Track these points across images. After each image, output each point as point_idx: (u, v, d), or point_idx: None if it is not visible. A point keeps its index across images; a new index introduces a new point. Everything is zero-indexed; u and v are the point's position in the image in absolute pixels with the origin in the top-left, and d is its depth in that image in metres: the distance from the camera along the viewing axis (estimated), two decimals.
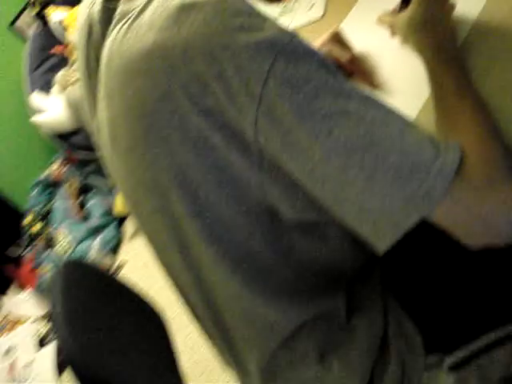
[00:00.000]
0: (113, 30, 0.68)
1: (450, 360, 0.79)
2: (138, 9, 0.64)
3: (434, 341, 0.79)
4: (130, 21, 0.64)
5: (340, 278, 0.80)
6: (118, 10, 0.68)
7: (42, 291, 2.49)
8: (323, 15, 1.10)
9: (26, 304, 2.61)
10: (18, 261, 2.75)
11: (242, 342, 0.80)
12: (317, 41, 0.92)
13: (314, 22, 1.10)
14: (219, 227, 0.67)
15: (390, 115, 0.57)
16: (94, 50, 0.74)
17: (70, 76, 2.50)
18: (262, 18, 0.58)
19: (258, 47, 0.55)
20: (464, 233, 0.59)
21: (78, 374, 0.74)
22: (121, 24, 0.66)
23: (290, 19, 1.13)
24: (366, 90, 0.78)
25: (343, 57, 0.88)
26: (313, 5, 1.13)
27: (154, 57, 0.59)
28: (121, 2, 0.69)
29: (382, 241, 0.58)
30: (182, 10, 0.58)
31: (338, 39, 0.91)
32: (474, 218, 0.58)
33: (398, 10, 0.86)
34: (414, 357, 0.79)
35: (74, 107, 2.34)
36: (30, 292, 2.62)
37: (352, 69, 0.89)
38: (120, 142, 0.70)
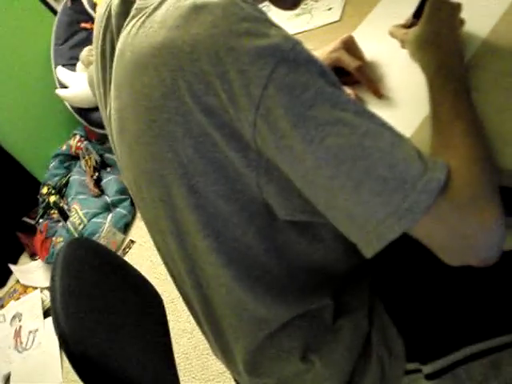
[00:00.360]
0: (128, 23, 0.70)
1: (428, 368, 0.81)
2: (152, 6, 0.67)
3: (415, 348, 0.82)
4: (144, 17, 0.67)
5: (331, 279, 0.83)
6: (135, 5, 0.71)
7: (52, 262, 2.54)
8: (340, 19, 1.12)
9: (35, 273, 2.68)
10: (32, 229, 2.81)
11: (230, 331, 0.83)
12: (329, 45, 0.94)
13: (330, 25, 1.12)
14: (216, 221, 0.69)
15: (383, 129, 0.59)
16: (110, 42, 0.77)
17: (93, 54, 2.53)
18: (269, 25, 0.59)
19: (261, 53, 0.57)
20: (442, 249, 0.61)
21: (68, 350, 0.77)
22: (136, 19, 0.69)
23: (307, 20, 1.15)
24: (367, 99, 0.81)
25: (351, 64, 0.90)
26: (331, 8, 1.15)
27: (163, 53, 0.62)
28: None
29: (368, 248, 0.60)
30: (194, 10, 0.60)
31: (349, 45, 0.93)
32: (453, 237, 0.59)
33: (410, 23, 0.87)
34: (395, 362, 0.82)
35: (93, 86, 2.38)
36: (41, 261, 2.68)
37: (358, 77, 0.90)
38: (126, 133, 0.73)
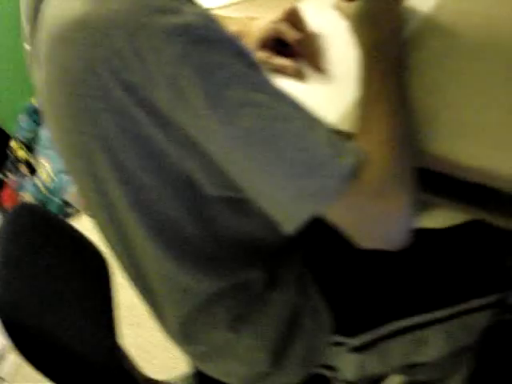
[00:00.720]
0: None
1: (355, 341, 0.84)
2: None
3: (343, 321, 0.84)
4: None
5: (261, 252, 0.84)
6: None
7: None
8: None
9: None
10: (1, 183, 2.79)
11: (163, 300, 0.85)
12: (272, 14, 0.93)
13: None
14: (141, 194, 0.70)
15: (297, 112, 0.59)
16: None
17: None
18: (182, 1, 0.59)
19: (173, 31, 0.56)
20: (353, 233, 0.62)
21: (2, 316, 0.78)
22: None
23: None
24: (307, 72, 0.79)
25: (291, 36, 0.88)
26: None
27: (78, 28, 0.61)
28: None
29: (285, 226, 0.62)
30: None
31: (292, 16, 0.91)
32: (362, 222, 0.61)
33: None
34: (322, 333, 0.84)
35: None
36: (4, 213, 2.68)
37: (298, 50, 0.89)
38: (50, 105, 0.72)
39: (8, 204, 2.69)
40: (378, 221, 0.61)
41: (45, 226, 1.01)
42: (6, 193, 2.68)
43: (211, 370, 0.92)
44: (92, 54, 0.60)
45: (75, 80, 0.63)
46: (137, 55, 0.57)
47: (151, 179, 0.68)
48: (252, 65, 0.60)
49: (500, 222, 0.68)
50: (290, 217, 0.61)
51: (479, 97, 0.71)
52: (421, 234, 0.66)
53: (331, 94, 0.82)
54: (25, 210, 0.99)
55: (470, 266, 0.86)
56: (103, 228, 0.83)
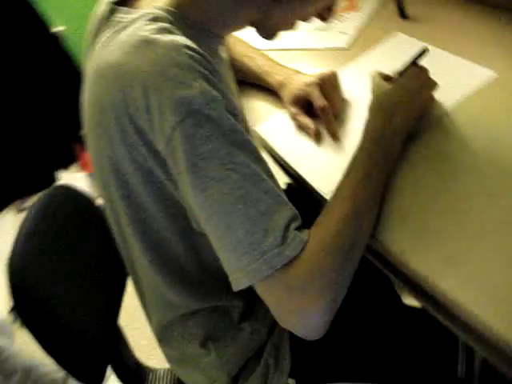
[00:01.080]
0: (105, 30, 0.80)
1: None
2: (124, 23, 0.76)
3: (299, 368, 0.91)
4: (115, 32, 0.76)
5: None
6: (118, 17, 0.79)
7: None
8: (347, 47, 1.17)
9: (80, 184, 2.89)
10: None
11: (150, 304, 0.97)
12: (310, 74, 1.01)
13: (336, 49, 1.18)
14: (141, 212, 0.81)
15: (263, 196, 0.67)
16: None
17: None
18: (197, 76, 0.68)
19: (178, 101, 0.66)
20: (272, 312, 0.70)
21: (11, 280, 0.89)
22: (112, 30, 0.78)
23: (321, 37, 1.21)
24: (324, 137, 0.86)
25: (317, 103, 0.96)
26: (345, 33, 1.19)
27: (112, 72, 0.72)
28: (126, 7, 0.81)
29: (233, 285, 0.70)
30: (144, 42, 0.70)
31: (326, 81, 0.98)
32: (279, 309, 0.68)
33: (393, 77, 0.90)
34: (279, 375, 0.92)
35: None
36: (87, 175, 2.90)
37: (321, 116, 0.96)
38: (85, 120, 0.85)
39: (86, 165, 2.91)
40: (293, 314, 0.67)
41: (77, 207, 1.13)
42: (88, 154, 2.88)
43: (181, 375, 1.03)
44: (117, 95, 0.71)
45: (103, 111, 0.75)
46: (146, 110, 0.68)
47: (152, 203, 0.78)
48: (238, 144, 0.68)
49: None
50: (233, 280, 0.69)
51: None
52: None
53: (331, 165, 0.90)
54: (62, 189, 1.11)
55: (426, 353, 0.91)
56: (113, 231, 0.94)
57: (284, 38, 0.89)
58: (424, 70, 0.89)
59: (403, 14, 1.13)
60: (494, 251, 0.67)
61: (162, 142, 0.68)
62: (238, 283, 0.68)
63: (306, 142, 0.97)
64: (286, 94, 1.03)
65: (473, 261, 0.67)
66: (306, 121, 0.97)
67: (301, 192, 0.93)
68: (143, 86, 0.68)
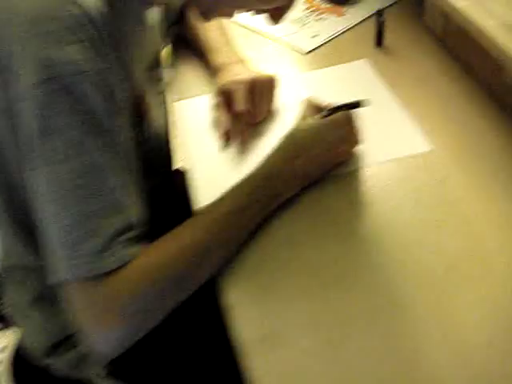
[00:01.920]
0: None
1: None
2: None
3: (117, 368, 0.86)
4: None
5: None
6: None
7: None
8: (308, 52, 1.08)
9: None
10: None
11: None
12: (247, 74, 0.92)
13: (297, 50, 1.09)
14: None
15: (105, 192, 0.60)
16: None
17: None
18: (74, 39, 0.58)
19: (43, 61, 0.57)
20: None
21: None
22: None
23: (293, 30, 1.13)
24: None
25: (236, 104, 0.88)
26: (315, 36, 1.10)
27: None
28: None
29: (49, 277, 0.64)
30: None
31: (259, 85, 0.90)
32: (78, 317, 0.63)
33: (324, 110, 0.82)
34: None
35: None
36: None
37: (235, 117, 0.89)
38: None
39: None
40: (87, 324, 0.62)
41: None
42: None
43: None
44: None
45: None
46: (8, 57, 0.59)
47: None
48: (97, 129, 0.60)
49: None
50: (51, 272, 0.63)
51: None
52: None
53: (224, 176, 0.83)
54: None
55: None
56: None
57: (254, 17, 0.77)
58: (351, 123, 0.79)
59: (379, 41, 1.04)
60: None
61: (14, 98, 0.60)
62: (47, 274, 0.63)
63: (213, 140, 0.90)
64: (218, 81, 0.94)
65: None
66: (222, 118, 0.89)
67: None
68: (13, 30, 0.58)
